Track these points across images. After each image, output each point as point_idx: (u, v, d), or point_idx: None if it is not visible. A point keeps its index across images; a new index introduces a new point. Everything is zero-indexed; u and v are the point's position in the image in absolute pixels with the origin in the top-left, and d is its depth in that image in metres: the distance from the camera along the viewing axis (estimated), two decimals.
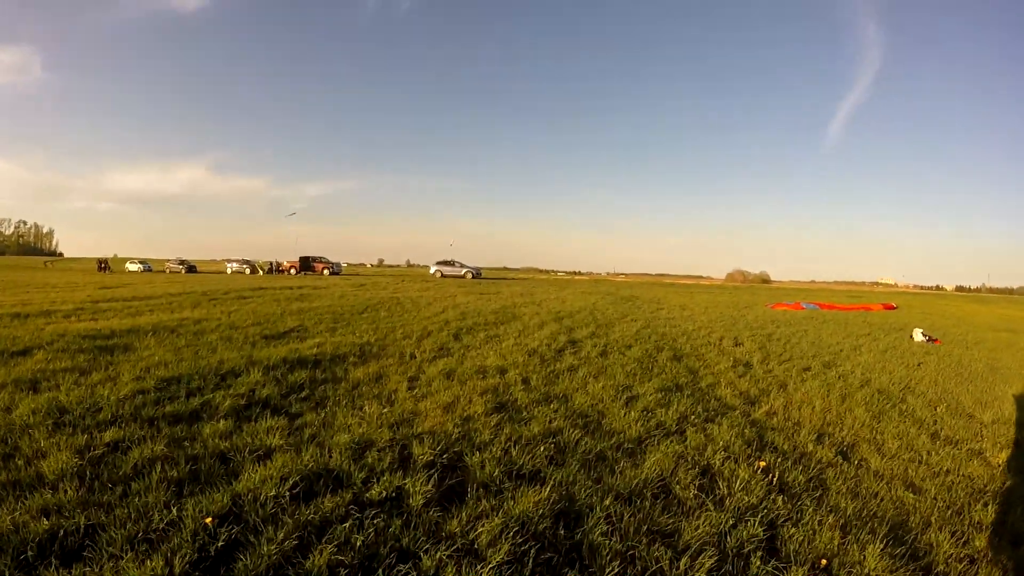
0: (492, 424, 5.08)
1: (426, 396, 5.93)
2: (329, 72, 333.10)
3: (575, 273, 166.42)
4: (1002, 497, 4.43)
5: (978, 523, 3.97)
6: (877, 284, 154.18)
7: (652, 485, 4.04)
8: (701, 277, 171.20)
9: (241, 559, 2.76)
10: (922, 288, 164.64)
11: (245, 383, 5.98)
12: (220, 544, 2.89)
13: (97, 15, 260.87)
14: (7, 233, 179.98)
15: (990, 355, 13.11)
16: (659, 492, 3.98)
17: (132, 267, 58.87)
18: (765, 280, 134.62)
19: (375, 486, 3.62)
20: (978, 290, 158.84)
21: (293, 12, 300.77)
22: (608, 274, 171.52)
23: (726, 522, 3.59)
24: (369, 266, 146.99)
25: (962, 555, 3.52)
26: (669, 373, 7.98)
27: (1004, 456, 5.47)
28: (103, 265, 56.79)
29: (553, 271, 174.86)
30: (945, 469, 5.02)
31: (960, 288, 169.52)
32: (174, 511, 3.14)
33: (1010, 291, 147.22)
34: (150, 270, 58.01)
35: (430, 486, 3.67)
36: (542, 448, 4.53)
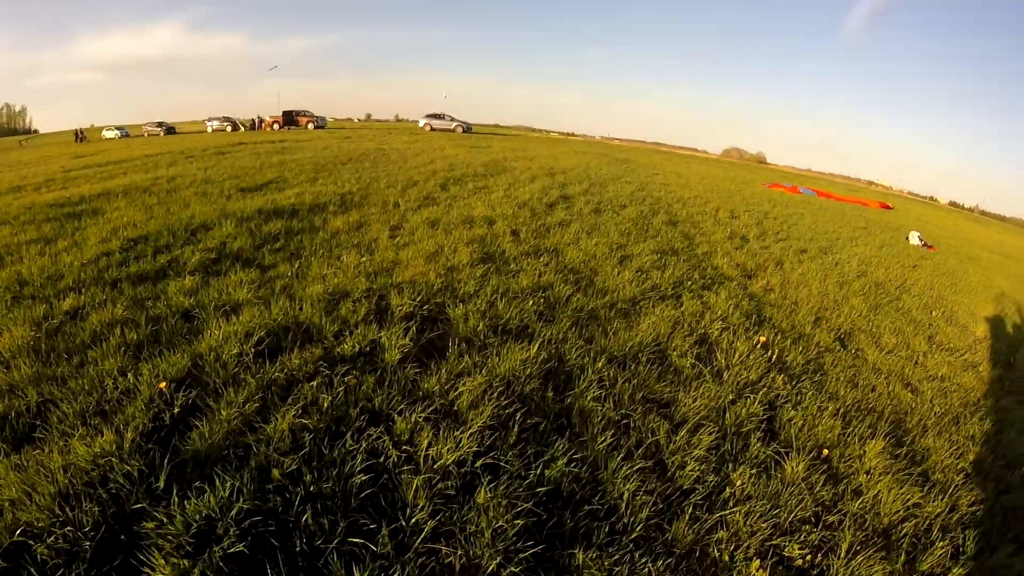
0: (478, 275, 4.78)
1: (408, 245, 5.61)
2: None
3: (570, 134, 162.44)
4: (996, 415, 4.32)
5: (972, 436, 3.87)
6: (872, 184, 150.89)
7: (647, 350, 3.83)
8: (696, 150, 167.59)
9: (197, 426, 2.50)
10: (915, 195, 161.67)
11: (216, 236, 5.63)
12: (176, 411, 2.63)
13: None
14: None
15: (984, 273, 12.88)
16: (654, 358, 3.79)
17: (109, 134, 56.35)
18: (761, 161, 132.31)
19: (347, 340, 3.35)
20: (972, 210, 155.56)
21: None
22: (603, 138, 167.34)
23: (725, 396, 3.42)
24: (356, 121, 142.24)
25: (958, 467, 3.40)
26: (664, 237, 7.71)
27: (997, 373, 5.34)
28: (79, 136, 54.46)
29: (547, 131, 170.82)
30: (940, 375, 4.95)
31: (953, 203, 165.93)
32: (130, 377, 2.86)
33: (1003, 218, 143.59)
34: (127, 135, 55.63)
35: (407, 340, 3.39)
36: (531, 303, 4.26)
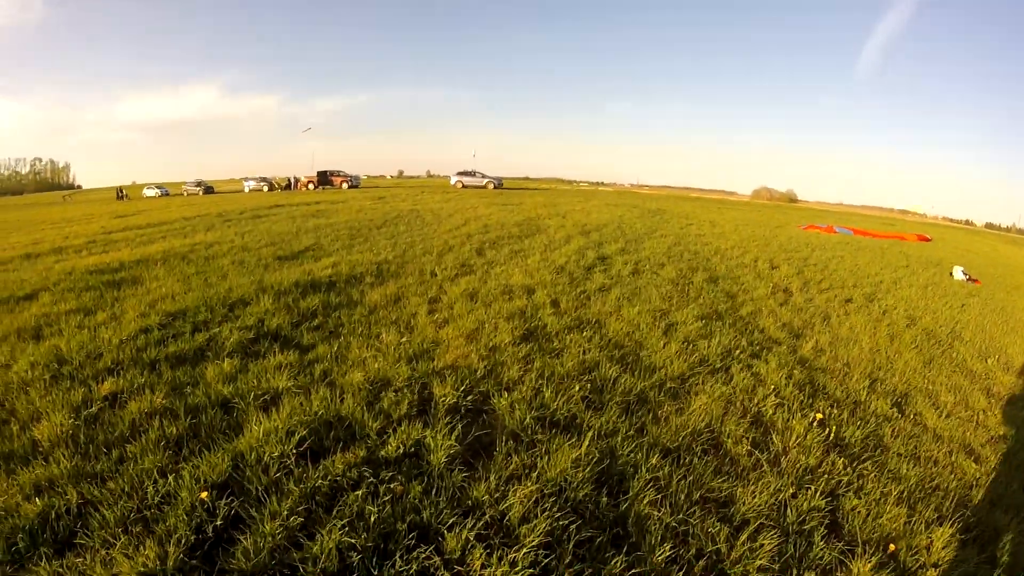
0: (521, 356, 4.64)
1: (448, 322, 5.50)
2: None
3: (598, 184, 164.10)
4: None
5: None
6: (906, 212, 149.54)
7: (701, 438, 3.64)
8: (726, 192, 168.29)
9: (241, 540, 2.37)
10: (951, 221, 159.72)
11: (254, 313, 5.57)
12: (218, 522, 2.50)
13: None
14: (24, 172, 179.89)
15: None
16: (708, 446, 3.60)
17: (149, 192, 58.24)
18: (792, 199, 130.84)
19: (391, 439, 3.21)
20: (1009, 229, 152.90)
21: None
22: (632, 186, 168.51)
23: (785, 490, 3.21)
24: (389, 178, 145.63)
25: None
26: (707, 297, 7.53)
27: None
28: (121, 194, 56.33)
29: (576, 182, 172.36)
30: (1003, 434, 4.66)
31: (990, 225, 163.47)
32: (171, 480, 2.75)
33: None
34: (167, 194, 57.33)
35: (453, 439, 3.23)
36: (577, 387, 4.08)
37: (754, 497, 3.08)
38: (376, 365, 4.25)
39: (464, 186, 45.27)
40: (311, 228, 12.62)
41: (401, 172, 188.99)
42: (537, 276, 7.69)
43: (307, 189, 44.97)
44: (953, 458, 4.04)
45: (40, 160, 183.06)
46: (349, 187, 45.48)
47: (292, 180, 48.81)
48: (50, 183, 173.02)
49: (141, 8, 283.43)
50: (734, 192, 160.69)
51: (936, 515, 3.25)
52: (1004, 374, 6.29)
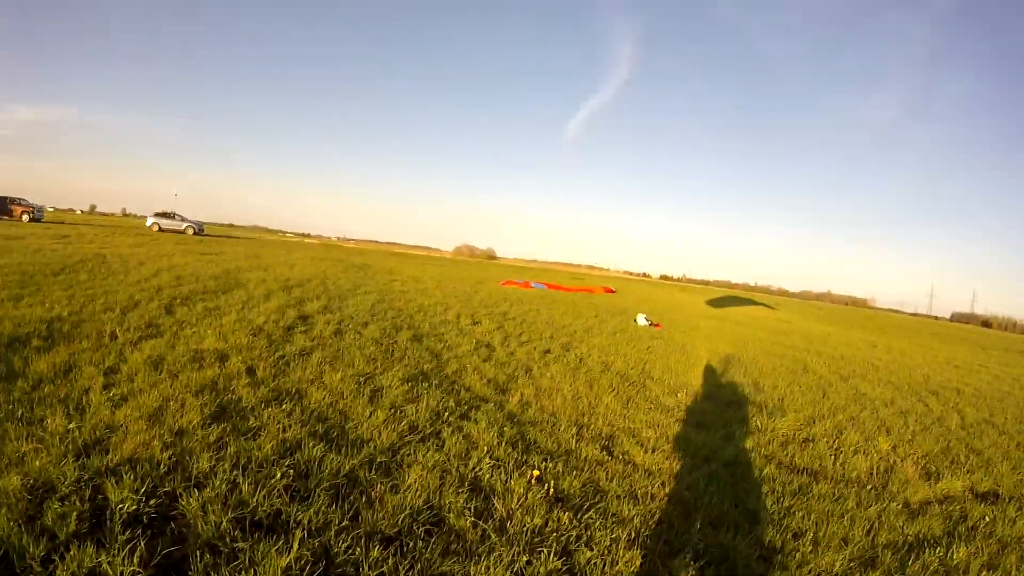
0: (213, 440, 4.19)
1: (127, 398, 4.83)
2: None
3: (305, 235, 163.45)
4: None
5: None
6: (592, 268, 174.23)
7: (421, 517, 3.54)
8: (430, 248, 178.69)
9: None
10: (631, 273, 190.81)
11: None
12: None
13: None
14: None
15: (708, 342, 14.53)
16: (431, 525, 3.50)
17: None
18: (491, 256, 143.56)
19: (59, 570, 2.66)
20: (679, 279, 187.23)
21: None
22: (339, 239, 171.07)
23: (519, 557, 3.23)
24: (79, 212, 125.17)
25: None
26: (412, 357, 7.68)
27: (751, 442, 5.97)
28: None
29: (282, 232, 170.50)
30: (705, 456, 5.37)
31: (664, 276, 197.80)
32: None
33: (706, 282, 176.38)
34: None
35: (135, 562, 2.74)
36: (279, 475, 3.77)
37: (488, 573, 3.07)
38: (38, 463, 3.54)
39: (161, 229, 42.54)
40: None
41: (94, 207, 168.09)
42: (232, 339, 7.26)
43: None
44: (666, 489, 4.44)
45: None
46: (30, 220, 39.00)
47: None
48: None
49: None
50: (437, 248, 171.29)
51: (667, 549, 3.54)
52: (697, 403, 7.32)
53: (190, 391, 5.20)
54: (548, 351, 9.79)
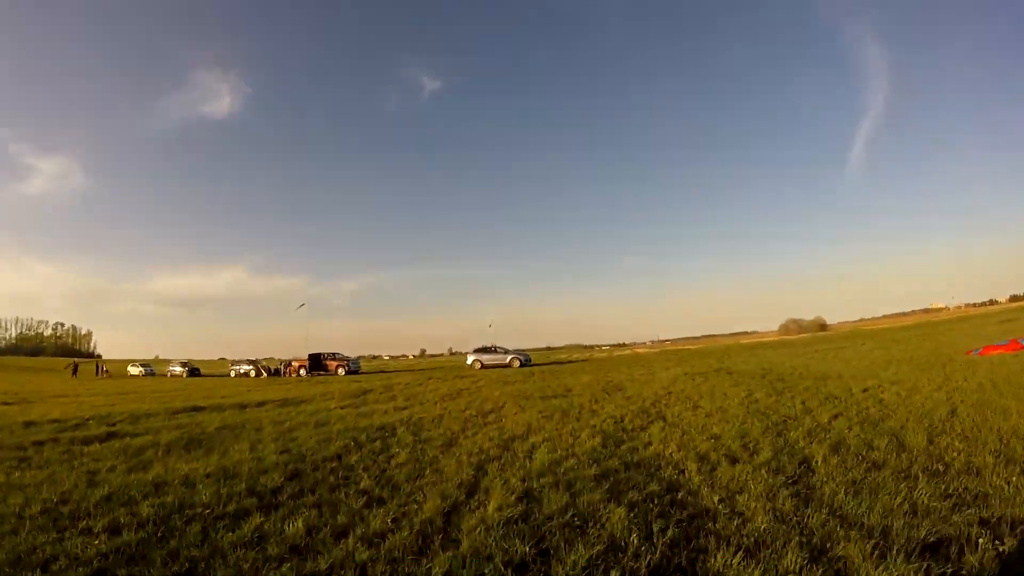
0: None
1: None
2: (359, 175, 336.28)
3: (620, 345, 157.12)
4: None
5: None
6: (934, 309, 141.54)
7: None
8: (747, 333, 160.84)
9: None
10: (974, 305, 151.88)
11: None
12: None
13: (132, 123, 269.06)
14: (46, 334, 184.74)
15: None
16: None
17: (133, 371, 54.45)
18: (823, 326, 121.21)
19: None
20: None
21: (318, 108, 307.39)
22: (652, 343, 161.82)
23: None
24: (411, 357, 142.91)
25: None
26: None
27: None
28: (100, 370, 53.71)
29: (598, 346, 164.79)
30: None
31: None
32: None
33: None
34: (152, 373, 53.19)
35: None
36: None
37: None
38: None
39: (483, 365, 37.38)
40: (173, 477, 6.25)
41: (423, 351, 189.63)
42: None
43: (297, 376, 38.66)
44: None
45: (62, 324, 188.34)
46: (347, 372, 38.61)
47: (282, 365, 42.84)
48: (71, 348, 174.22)
49: (176, 188, 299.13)
50: (755, 331, 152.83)
51: None
52: None
53: None
54: None
